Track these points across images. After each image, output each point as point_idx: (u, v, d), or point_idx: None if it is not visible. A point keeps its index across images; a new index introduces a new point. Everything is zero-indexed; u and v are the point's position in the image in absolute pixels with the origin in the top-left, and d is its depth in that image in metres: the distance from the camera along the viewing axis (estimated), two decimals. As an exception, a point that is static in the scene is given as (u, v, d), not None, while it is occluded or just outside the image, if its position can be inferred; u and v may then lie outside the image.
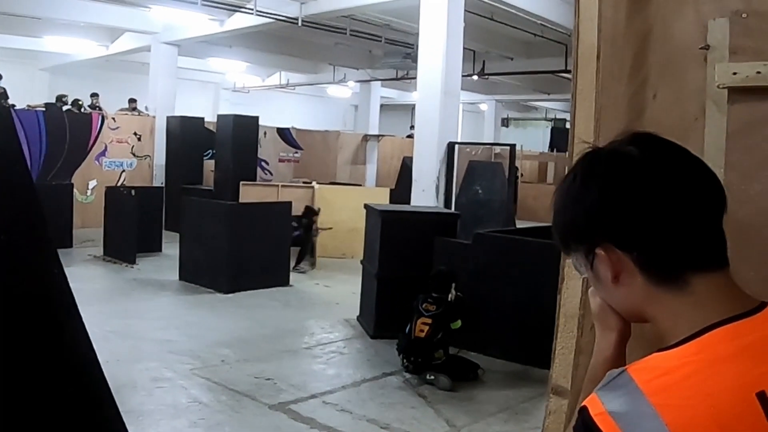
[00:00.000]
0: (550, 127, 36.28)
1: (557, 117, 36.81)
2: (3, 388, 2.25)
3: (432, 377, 6.40)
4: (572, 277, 1.94)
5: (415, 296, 6.85)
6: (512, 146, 12.27)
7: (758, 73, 1.54)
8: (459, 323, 6.64)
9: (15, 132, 2.37)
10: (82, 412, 2.68)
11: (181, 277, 10.45)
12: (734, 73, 1.56)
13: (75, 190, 14.06)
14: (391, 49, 18.65)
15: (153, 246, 12.53)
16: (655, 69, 1.76)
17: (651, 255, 1.09)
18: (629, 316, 1.21)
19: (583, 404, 1.05)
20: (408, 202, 11.58)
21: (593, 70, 1.82)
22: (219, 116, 16.47)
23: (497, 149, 22.73)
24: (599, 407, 1.01)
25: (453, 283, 6.80)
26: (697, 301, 1.08)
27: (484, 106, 31.56)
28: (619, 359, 1.26)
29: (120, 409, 2.89)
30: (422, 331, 6.55)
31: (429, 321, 6.56)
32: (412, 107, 32.31)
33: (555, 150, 30.12)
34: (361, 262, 8.73)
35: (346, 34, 16.95)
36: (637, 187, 1.08)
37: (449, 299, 6.72)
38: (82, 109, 16.83)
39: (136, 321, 8.17)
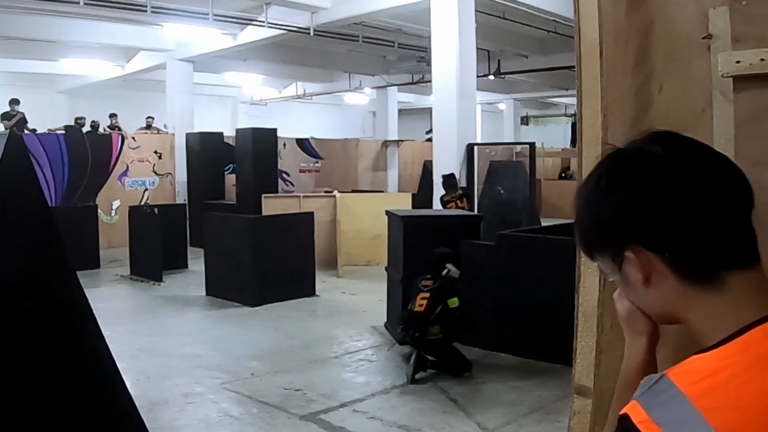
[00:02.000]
0: (570, 123, 36.13)
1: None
2: (27, 408, 2.27)
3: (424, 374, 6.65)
4: (588, 275, 1.92)
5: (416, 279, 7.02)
6: (532, 144, 12.22)
7: (762, 60, 1.52)
8: (456, 301, 6.75)
9: (29, 158, 2.39)
10: (105, 429, 2.70)
11: (207, 293, 10.51)
12: (737, 62, 1.54)
13: (99, 210, 14.17)
14: (404, 54, 18.66)
15: (178, 263, 12.61)
16: (659, 61, 1.74)
17: (684, 255, 1.07)
18: (660, 318, 1.18)
19: (623, 412, 1.02)
20: (431, 206, 11.57)
21: (597, 67, 1.81)
22: (237, 130, 16.55)
23: (518, 148, 22.72)
24: (642, 415, 0.99)
25: (448, 262, 6.91)
26: (733, 299, 1.05)
27: (502, 106, 31.45)
28: (651, 363, 1.25)
29: (152, 426, 2.91)
30: (421, 305, 6.69)
31: (427, 295, 6.70)
32: (431, 110, 32.43)
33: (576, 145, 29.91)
34: (386, 268, 8.72)
35: (358, 41, 16.98)
36: (665, 187, 1.06)
37: (446, 275, 6.83)
38: (101, 130, 16.97)
39: (164, 338, 8.22)
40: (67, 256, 2.58)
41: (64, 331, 2.46)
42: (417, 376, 6.64)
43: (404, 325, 6.84)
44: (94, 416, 2.57)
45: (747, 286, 1.06)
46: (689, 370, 1.01)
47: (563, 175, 25.47)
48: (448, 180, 11.20)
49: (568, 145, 30.72)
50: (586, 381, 2.01)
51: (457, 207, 10.76)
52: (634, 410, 1.00)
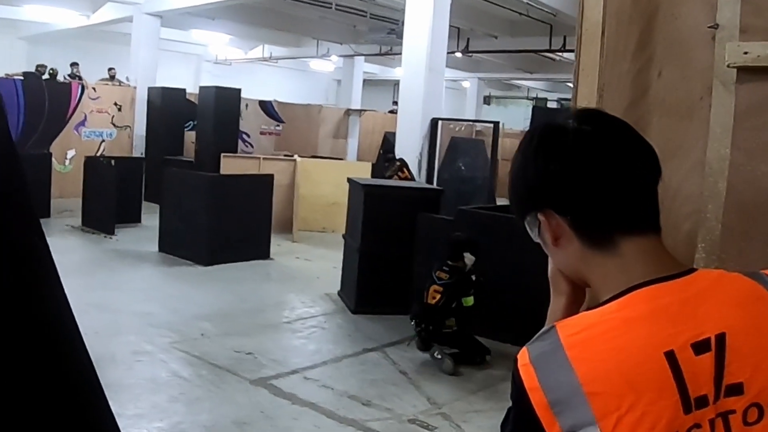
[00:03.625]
0: (531, 106, 36.28)
1: (539, 96, 36.84)
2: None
3: (439, 356, 6.33)
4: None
5: (431, 263, 6.77)
6: (496, 123, 12.22)
7: (770, 52, 1.51)
8: (471, 300, 6.53)
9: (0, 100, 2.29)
10: (63, 386, 2.62)
11: (160, 249, 10.37)
12: (745, 53, 1.53)
13: (53, 159, 13.87)
14: (375, 25, 18.51)
15: (132, 217, 12.39)
16: (661, 47, 1.73)
17: (583, 218, 1.16)
18: (573, 278, 1.26)
19: (516, 356, 1.11)
20: (390, 177, 11.55)
21: (597, 48, 1.79)
22: (201, 88, 16.31)
23: (478, 126, 22.76)
24: (526, 358, 1.08)
25: (467, 251, 6.58)
26: (624, 263, 1.14)
27: (466, 84, 31.50)
28: None
29: (101, 383, 2.84)
30: (434, 298, 6.43)
31: (440, 289, 6.43)
32: (395, 83, 32.32)
33: (536, 128, 30.07)
34: (343, 236, 8.69)
35: (331, 8, 16.82)
36: (567, 155, 1.15)
37: (465, 269, 6.55)
38: (59, 78, 16.58)
39: (114, 293, 8.08)
40: (30, 198, 2.48)
41: (23, 277, 2.36)
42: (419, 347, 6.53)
43: (417, 318, 6.56)
44: (51, 371, 2.49)
45: (637, 252, 1.15)
46: (573, 323, 1.12)
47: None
48: (385, 156, 11.30)
49: (527, 128, 30.82)
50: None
51: (399, 179, 10.75)
52: (522, 354, 1.10)
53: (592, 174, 1.14)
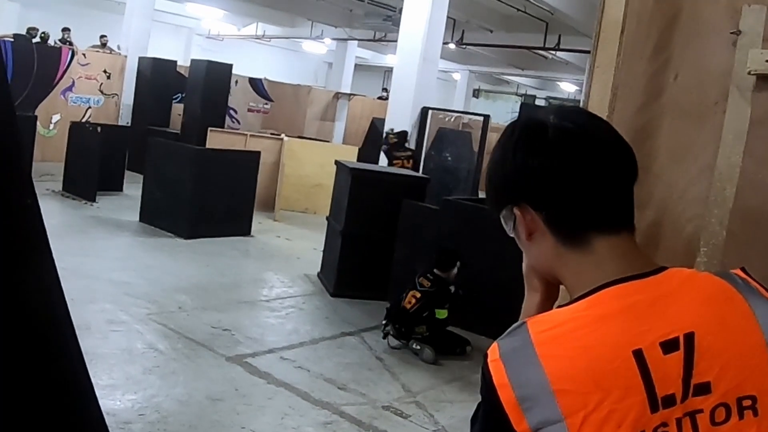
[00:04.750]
0: (519, 102, 36.38)
1: (527, 93, 36.91)
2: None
3: (418, 347, 6.33)
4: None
5: (415, 269, 6.75)
6: (486, 116, 12.22)
7: (792, 62, 1.50)
8: (445, 314, 6.53)
9: (2, 61, 2.25)
10: (44, 352, 2.60)
11: (141, 219, 10.30)
12: (767, 61, 1.52)
13: (38, 123, 13.71)
14: (372, 10, 18.45)
15: (114, 185, 12.31)
16: (679, 49, 1.72)
17: (558, 215, 1.17)
18: (546, 274, 1.27)
19: (486, 351, 1.12)
20: (374, 162, 11.52)
21: (615, 45, 1.78)
22: (192, 61, 16.16)
23: (465, 119, 22.74)
24: (496, 354, 1.09)
25: (456, 262, 6.62)
26: (596, 260, 1.15)
27: (457, 76, 31.48)
28: None
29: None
30: (409, 302, 6.45)
31: (418, 296, 6.43)
32: (386, 70, 32.37)
33: (522, 125, 30.12)
34: (327, 218, 8.66)
35: (329, -10, 16.73)
36: (545, 151, 1.15)
37: (447, 282, 6.55)
38: (50, 42, 16.39)
39: (92, 260, 8.01)
40: (24, 159, 2.46)
41: (16, 235, 2.34)
42: (393, 344, 6.52)
43: (389, 316, 6.54)
44: (31, 335, 2.47)
45: (610, 250, 1.15)
46: (544, 320, 1.12)
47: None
48: (402, 136, 11.20)
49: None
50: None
51: (403, 166, 10.76)
52: (492, 350, 1.10)
53: (569, 171, 1.14)
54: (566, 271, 1.20)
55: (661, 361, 1.05)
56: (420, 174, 10.37)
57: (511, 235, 1.27)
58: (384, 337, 6.55)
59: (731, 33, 1.61)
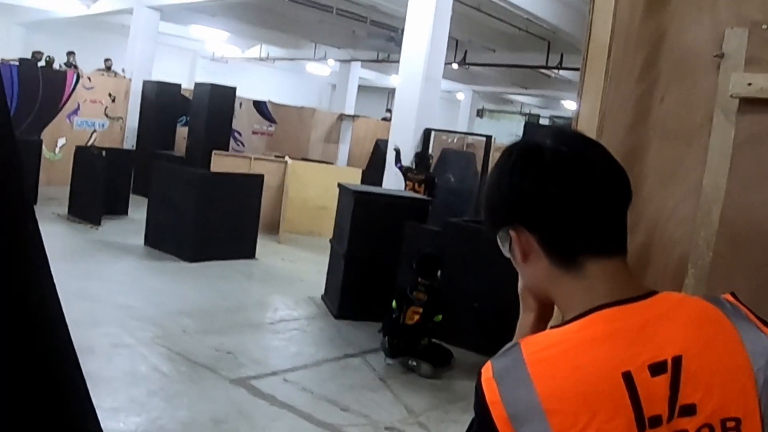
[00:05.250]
0: (523, 122, 36.41)
1: (531, 112, 36.97)
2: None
3: (414, 363, 6.37)
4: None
5: (398, 281, 6.83)
6: (489, 138, 12.24)
7: (773, 85, 1.53)
8: (440, 318, 6.59)
9: (0, 81, 2.28)
10: (45, 374, 2.62)
11: (146, 242, 10.34)
12: (749, 84, 1.55)
13: (43, 146, 13.79)
14: (374, 31, 18.55)
15: (119, 209, 12.37)
16: (665, 72, 1.74)
17: (552, 237, 1.20)
18: (539, 295, 1.30)
19: (480, 369, 1.15)
20: (378, 184, 11.55)
21: (602, 68, 1.80)
22: (197, 84, 16.27)
23: (469, 139, 22.73)
24: (489, 373, 1.13)
25: (440, 268, 6.70)
26: (589, 284, 1.18)
27: (460, 95, 31.55)
28: None
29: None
30: (412, 319, 6.48)
31: (420, 310, 6.48)
32: (389, 90, 32.44)
33: (527, 144, 30.14)
34: (330, 240, 8.68)
35: (332, 12, 16.82)
36: (541, 175, 1.18)
37: (435, 286, 6.62)
38: (55, 66, 16.51)
39: (97, 283, 8.04)
40: (26, 185, 2.49)
41: (17, 261, 2.37)
42: (389, 362, 6.56)
43: (390, 335, 6.56)
44: (34, 357, 2.48)
45: (602, 274, 1.18)
46: (536, 340, 1.16)
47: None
48: (423, 160, 11.19)
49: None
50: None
51: (413, 189, 10.73)
52: (485, 368, 1.14)
53: (564, 195, 1.17)
54: (559, 292, 1.23)
55: (649, 382, 1.08)
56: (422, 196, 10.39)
57: (507, 256, 1.30)
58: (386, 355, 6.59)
59: (714, 56, 1.64)
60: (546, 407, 1.06)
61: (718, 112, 1.64)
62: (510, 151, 1.27)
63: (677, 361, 1.10)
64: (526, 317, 1.35)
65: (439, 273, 6.70)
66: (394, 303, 6.66)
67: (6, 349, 2.39)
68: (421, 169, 11.06)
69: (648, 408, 1.07)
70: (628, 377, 1.07)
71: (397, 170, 11.10)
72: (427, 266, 6.67)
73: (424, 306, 6.50)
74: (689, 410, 1.10)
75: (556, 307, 1.32)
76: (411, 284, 6.62)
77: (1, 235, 2.40)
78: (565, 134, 1.27)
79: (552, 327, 1.21)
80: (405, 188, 10.79)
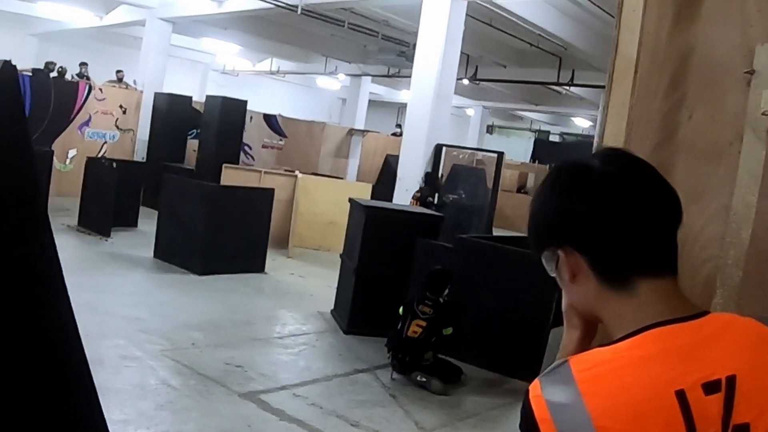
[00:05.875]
0: (533, 138, 36.43)
1: (541, 129, 36.98)
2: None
3: (423, 379, 6.32)
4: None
5: (408, 294, 6.81)
6: (500, 153, 12.21)
7: (806, 102, 1.49)
8: (450, 330, 6.53)
9: (19, 90, 2.26)
10: (58, 390, 2.59)
11: (155, 255, 10.33)
12: (781, 101, 1.52)
13: (54, 157, 13.82)
14: (386, 46, 18.57)
15: (129, 221, 12.38)
16: (693, 89, 1.71)
17: (602, 258, 1.19)
18: (586, 314, 1.29)
19: (528, 387, 1.15)
20: (388, 199, 11.53)
21: (629, 85, 1.77)
22: (208, 97, 16.30)
23: (479, 155, 22.68)
24: (537, 390, 1.12)
25: (448, 284, 6.68)
26: (640, 303, 1.17)
27: (470, 111, 31.58)
28: None
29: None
30: (415, 332, 6.44)
31: (423, 324, 6.44)
32: (399, 106, 32.52)
33: (537, 161, 30.20)
34: (341, 255, 8.65)
35: (343, 26, 16.84)
36: (591, 195, 1.18)
37: (441, 301, 6.60)
38: (67, 77, 16.58)
39: (106, 296, 8.02)
40: (42, 200, 2.47)
41: (29, 276, 2.34)
42: (395, 377, 6.53)
43: (395, 349, 6.54)
44: (48, 372, 2.45)
45: (653, 293, 1.17)
46: (586, 358, 1.15)
47: (521, 190, 25.53)
48: (431, 180, 11.31)
49: (528, 160, 30.92)
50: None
51: (421, 201, 10.83)
52: (533, 386, 1.14)
53: (615, 216, 1.16)
54: (608, 312, 1.22)
55: (703, 401, 1.07)
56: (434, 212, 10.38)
57: (552, 275, 1.28)
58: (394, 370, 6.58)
59: (745, 72, 1.61)
60: (597, 425, 1.05)
61: (748, 129, 1.61)
62: (558, 170, 1.27)
63: (731, 380, 1.10)
64: (570, 335, 1.35)
65: (447, 290, 6.66)
66: (401, 310, 6.64)
67: (19, 363, 2.36)
68: (426, 189, 11.18)
69: (701, 427, 1.07)
70: (681, 396, 1.07)
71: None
72: (435, 282, 6.66)
73: (429, 320, 6.45)
74: (743, 430, 1.09)
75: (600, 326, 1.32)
76: (418, 298, 6.61)
77: (17, 247, 2.38)
78: (611, 154, 1.26)
79: (601, 345, 1.19)
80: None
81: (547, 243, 1.25)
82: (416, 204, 11.04)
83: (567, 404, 1.08)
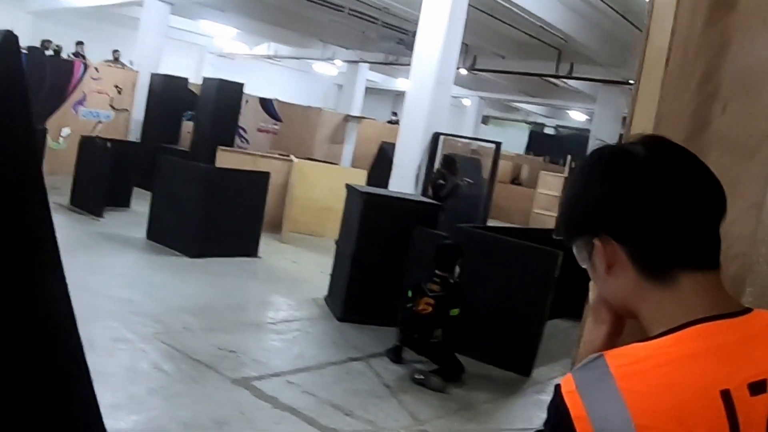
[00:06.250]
0: (528, 130, 36.44)
1: (537, 121, 36.96)
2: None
3: (421, 377, 6.21)
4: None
5: (410, 278, 6.69)
6: (498, 144, 12.14)
7: None
8: (457, 311, 6.40)
9: (20, 60, 2.19)
10: (52, 371, 2.52)
11: (148, 236, 10.23)
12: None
13: (48, 136, 13.69)
14: (385, 33, 18.49)
15: (121, 201, 12.26)
16: (727, 82, 1.65)
17: (643, 249, 1.14)
18: (619, 308, 1.24)
19: (558, 382, 1.09)
20: (382, 186, 11.45)
21: (659, 75, 1.71)
22: (205, 79, 16.18)
23: (474, 145, 22.61)
24: (571, 385, 1.07)
25: (459, 259, 6.52)
26: (680, 297, 1.12)
27: (467, 102, 31.52)
28: None
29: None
30: (424, 309, 6.32)
31: (432, 302, 6.31)
32: (396, 93, 32.44)
33: (532, 153, 30.20)
34: (336, 241, 8.57)
35: (344, 11, 16.74)
36: (635, 183, 1.12)
37: (452, 281, 6.44)
38: (63, 56, 16.44)
39: (98, 276, 7.92)
40: (42, 178, 2.40)
41: (27, 250, 2.27)
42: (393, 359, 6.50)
43: (405, 325, 6.47)
44: (42, 354, 2.39)
45: (696, 287, 1.12)
46: (624, 353, 1.09)
47: (515, 181, 25.47)
48: (451, 164, 11.40)
49: (522, 152, 30.92)
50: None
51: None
52: (566, 381, 1.08)
53: (659, 204, 1.11)
54: (646, 306, 1.16)
55: (748, 402, 1.04)
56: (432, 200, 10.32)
57: (584, 266, 1.23)
58: (395, 352, 6.56)
59: (785, 65, 1.54)
60: (637, 424, 1.00)
61: (785, 124, 1.55)
62: (599, 155, 1.21)
63: None
64: (597, 330, 1.29)
65: (458, 267, 6.52)
66: (409, 292, 6.51)
67: (15, 347, 2.29)
68: (440, 171, 11.23)
69: (745, 428, 1.03)
70: (726, 395, 1.02)
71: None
72: (444, 257, 6.50)
73: (438, 299, 6.32)
74: None
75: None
76: (427, 275, 6.46)
77: (17, 228, 2.31)
78: (656, 141, 1.20)
79: (638, 341, 1.12)
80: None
81: (583, 231, 1.20)
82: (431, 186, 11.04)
83: (605, 401, 1.03)
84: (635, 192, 1.12)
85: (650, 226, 1.12)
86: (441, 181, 11.22)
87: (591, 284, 1.31)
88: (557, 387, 1.09)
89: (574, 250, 1.24)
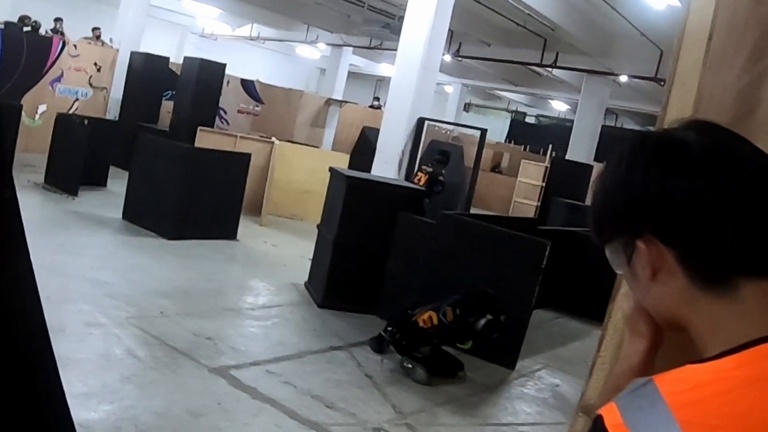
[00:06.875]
0: (509, 119, 36.41)
1: (518, 110, 36.91)
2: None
3: (409, 365, 5.99)
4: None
5: (445, 293, 6.23)
6: (483, 131, 11.98)
7: None
8: (470, 344, 6.10)
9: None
10: (14, 358, 2.33)
11: (124, 216, 9.98)
12: None
13: (23, 112, 13.36)
14: (371, 17, 18.26)
15: (97, 180, 12.02)
16: (779, 61, 1.47)
17: (699, 253, 0.96)
18: (663, 321, 1.07)
19: (598, 412, 0.92)
20: (363, 170, 11.27)
21: (700, 53, 1.53)
22: (186, 58, 15.90)
23: (455, 132, 22.44)
24: (616, 418, 0.90)
25: (487, 314, 5.97)
26: (744, 310, 0.94)
27: (449, 88, 31.36)
28: (647, 369, 1.12)
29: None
30: (425, 322, 6.04)
31: (436, 322, 5.98)
32: (378, 78, 32.20)
33: (512, 141, 30.19)
34: (318, 226, 8.36)
35: (329, -5, 16.52)
36: (690, 175, 0.95)
37: (477, 330, 5.97)
38: (41, 32, 16.07)
39: (71, 257, 7.68)
40: (5, 149, 2.19)
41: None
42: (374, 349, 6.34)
43: (396, 325, 6.17)
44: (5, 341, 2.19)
45: (762, 299, 0.94)
46: (678, 378, 0.91)
47: (495, 169, 25.35)
48: (445, 159, 11.60)
49: (503, 140, 30.90)
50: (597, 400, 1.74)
51: (418, 180, 10.79)
52: (609, 412, 0.91)
53: (719, 198, 0.93)
54: (699, 319, 0.98)
55: None
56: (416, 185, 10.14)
57: (619, 272, 1.06)
58: (378, 342, 6.35)
59: None
60: None
61: None
62: (641, 141, 1.02)
63: None
64: (635, 344, 1.13)
65: (485, 320, 5.96)
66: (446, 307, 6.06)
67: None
68: (438, 167, 11.34)
69: None
70: None
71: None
72: (474, 302, 6.06)
73: (443, 326, 5.98)
74: None
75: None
76: (453, 301, 6.05)
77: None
78: (708, 126, 1.02)
79: (694, 362, 0.94)
80: (414, 178, 11.00)
81: (621, 230, 1.02)
82: (424, 178, 10.89)
83: None
84: (690, 182, 0.95)
85: (706, 224, 0.94)
86: (441, 178, 11.25)
87: (623, 293, 1.20)
88: (599, 419, 0.92)
89: (608, 253, 1.07)
